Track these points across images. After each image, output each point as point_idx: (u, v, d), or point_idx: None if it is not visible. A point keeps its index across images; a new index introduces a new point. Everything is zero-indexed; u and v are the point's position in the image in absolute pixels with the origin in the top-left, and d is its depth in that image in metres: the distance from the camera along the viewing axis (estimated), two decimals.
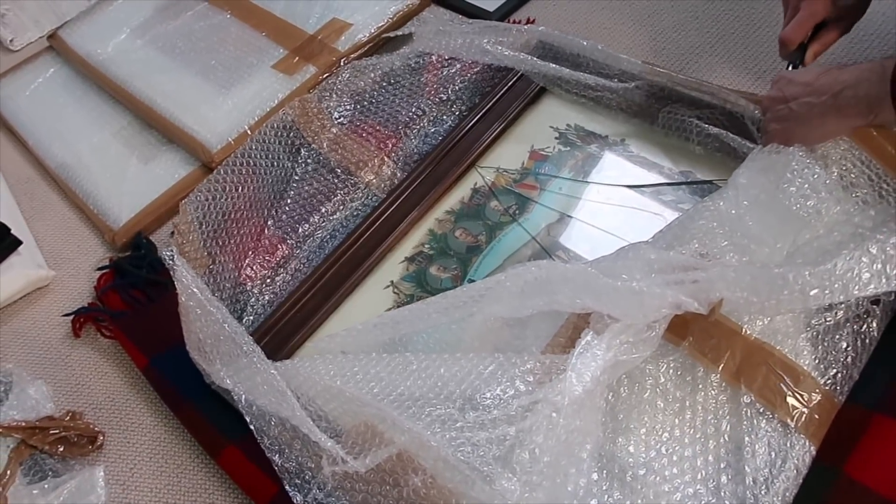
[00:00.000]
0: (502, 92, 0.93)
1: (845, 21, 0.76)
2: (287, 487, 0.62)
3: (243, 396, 0.63)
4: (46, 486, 0.68)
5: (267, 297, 0.81)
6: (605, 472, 0.59)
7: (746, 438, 0.60)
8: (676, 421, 0.61)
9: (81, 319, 0.85)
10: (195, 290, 0.67)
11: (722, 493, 0.58)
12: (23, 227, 0.97)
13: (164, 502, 0.70)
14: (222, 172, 0.84)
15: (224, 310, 0.66)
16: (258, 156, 0.87)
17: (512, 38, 0.97)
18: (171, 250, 0.71)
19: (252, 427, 0.64)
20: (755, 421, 0.61)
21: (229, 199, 0.83)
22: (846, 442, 0.61)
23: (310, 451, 0.62)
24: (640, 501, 0.58)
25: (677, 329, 0.63)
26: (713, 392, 0.62)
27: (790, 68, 0.76)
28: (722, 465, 0.60)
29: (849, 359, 0.63)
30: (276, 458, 0.63)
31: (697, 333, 0.63)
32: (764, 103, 0.72)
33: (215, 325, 0.65)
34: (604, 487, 0.59)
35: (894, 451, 0.59)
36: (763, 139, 0.73)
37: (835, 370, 0.63)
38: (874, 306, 0.64)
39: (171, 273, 0.69)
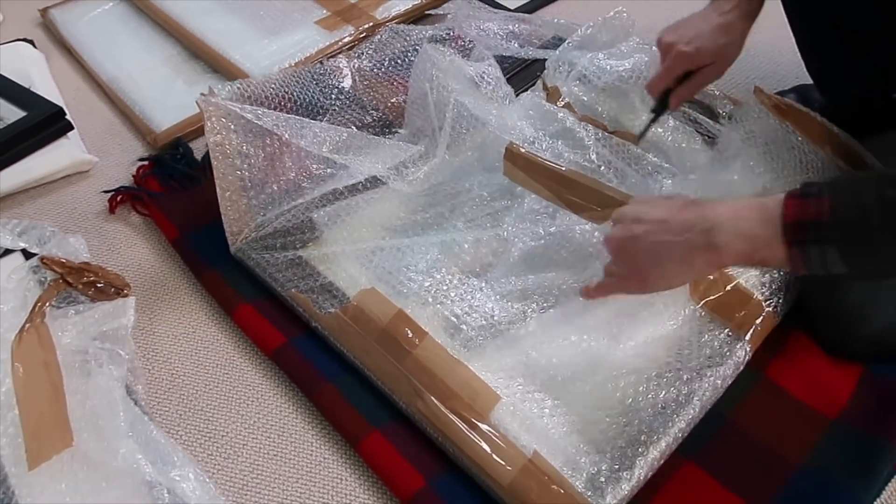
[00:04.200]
0: (516, 70, 1.06)
1: (717, 66, 0.77)
2: None
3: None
4: (82, 307, 0.76)
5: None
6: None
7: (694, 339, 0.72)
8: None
9: (119, 198, 0.95)
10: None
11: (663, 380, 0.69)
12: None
13: (181, 350, 0.79)
14: (260, 79, 0.91)
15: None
16: (292, 83, 0.97)
17: (532, 29, 1.11)
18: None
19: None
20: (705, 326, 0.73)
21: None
22: (769, 351, 0.73)
23: None
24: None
25: None
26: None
27: (653, 117, 0.84)
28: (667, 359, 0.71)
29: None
30: None
31: None
32: (608, 245, 0.63)
33: None
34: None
35: (808, 360, 0.72)
36: (598, 288, 0.66)
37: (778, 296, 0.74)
38: None
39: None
